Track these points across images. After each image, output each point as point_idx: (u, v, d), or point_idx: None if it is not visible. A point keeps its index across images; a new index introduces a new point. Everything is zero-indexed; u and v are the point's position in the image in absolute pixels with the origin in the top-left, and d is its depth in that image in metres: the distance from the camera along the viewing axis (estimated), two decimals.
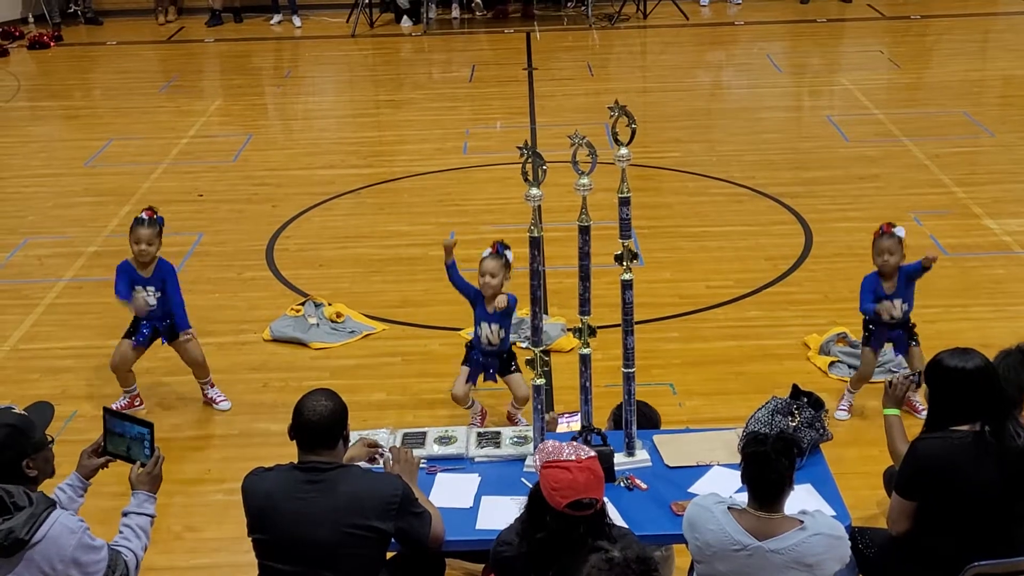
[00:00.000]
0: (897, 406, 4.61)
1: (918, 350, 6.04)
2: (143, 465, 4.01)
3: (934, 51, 14.32)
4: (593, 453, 3.72)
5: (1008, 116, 11.32)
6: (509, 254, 5.77)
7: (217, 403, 6.50)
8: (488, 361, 5.87)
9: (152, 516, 3.97)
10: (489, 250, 5.78)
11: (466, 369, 5.95)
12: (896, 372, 6.17)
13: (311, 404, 3.96)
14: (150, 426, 4.07)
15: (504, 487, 4.48)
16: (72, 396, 6.65)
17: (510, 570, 3.74)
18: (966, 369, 4.11)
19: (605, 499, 4.28)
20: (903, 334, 6.01)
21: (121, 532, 3.86)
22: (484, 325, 5.81)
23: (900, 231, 5.90)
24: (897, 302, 5.92)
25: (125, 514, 3.93)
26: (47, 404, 4.01)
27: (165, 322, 6.27)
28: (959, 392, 4.11)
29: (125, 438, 4.06)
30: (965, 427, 4.09)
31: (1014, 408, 4.21)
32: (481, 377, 5.94)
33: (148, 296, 6.18)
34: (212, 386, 6.52)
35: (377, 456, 4.46)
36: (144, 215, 6.17)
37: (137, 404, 6.46)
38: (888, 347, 6.38)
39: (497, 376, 5.92)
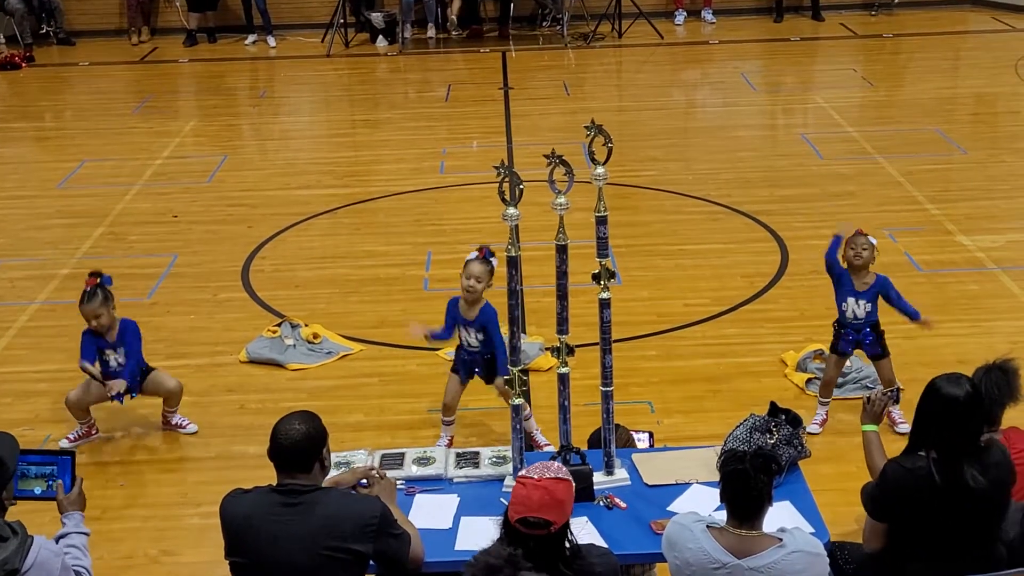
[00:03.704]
0: (875, 422, 4.62)
1: (887, 362, 6.08)
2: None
3: (906, 69, 14.44)
4: (562, 475, 3.65)
5: (979, 133, 11.42)
6: (495, 261, 5.75)
7: (184, 427, 6.40)
8: (474, 359, 5.87)
9: (89, 534, 4.01)
10: (475, 253, 5.76)
11: (455, 376, 5.96)
12: (873, 387, 6.20)
13: (285, 428, 3.93)
14: (71, 455, 4.05)
15: (483, 507, 4.46)
16: (45, 420, 6.58)
17: None
18: (959, 399, 4.05)
19: (585, 519, 4.28)
20: (871, 333, 6.04)
21: (68, 552, 3.85)
22: (462, 330, 5.81)
23: (873, 240, 6.01)
24: (862, 302, 5.99)
25: (64, 535, 3.94)
26: (8, 434, 3.98)
27: (134, 379, 6.18)
28: (936, 419, 4.08)
29: (31, 478, 4.02)
30: (924, 453, 4.08)
31: (988, 428, 4.19)
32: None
33: (117, 357, 6.12)
34: (175, 413, 6.42)
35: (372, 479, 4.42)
36: (87, 286, 6.06)
37: (94, 433, 6.35)
38: (862, 360, 6.41)
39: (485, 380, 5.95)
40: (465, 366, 5.91)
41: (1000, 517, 4.10)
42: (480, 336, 5.78)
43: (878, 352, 6.08)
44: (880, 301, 6.06)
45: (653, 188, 10.04)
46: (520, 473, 3.70)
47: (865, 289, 6.00)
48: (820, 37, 15.86)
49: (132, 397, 6.26)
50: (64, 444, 6.23)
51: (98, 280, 6.08)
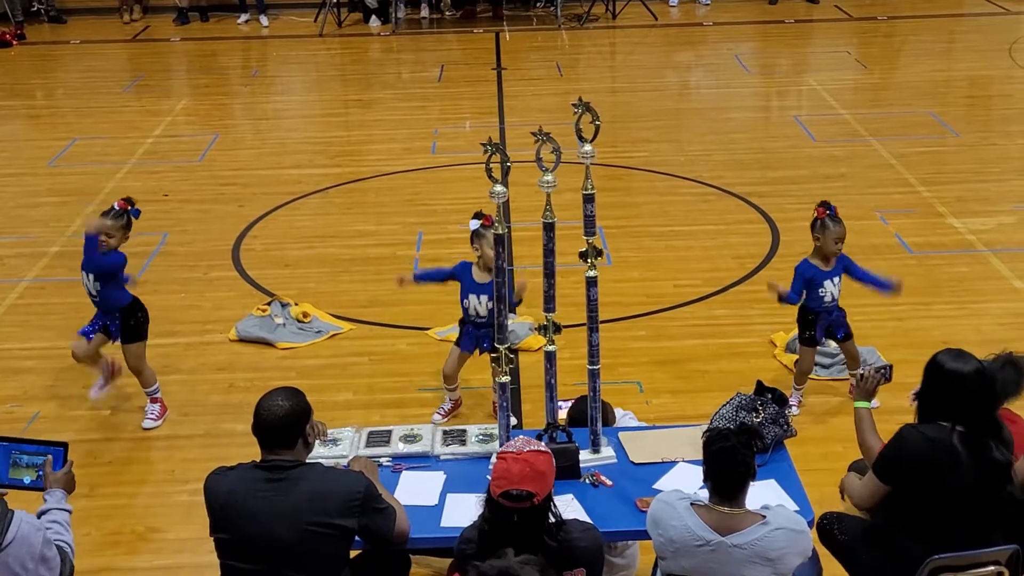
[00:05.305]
0: (867, 399, 4.63)
1: (852, 344, 6.08)
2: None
3: (901, 52, 14.42)
4: (541, 448, 3.69)
5: (973, 116, 11.42)
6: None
7: (146, 417, 6.30)
8: (481, 333, 5.87)
9: (71, 511, 3.99)
10: (482, 221, 5.76)
11: (457, 349, 5.98)
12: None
13: (268, 404, 3.93)
14: (64, 445, 4.05)
15: (469, 484, 4.45)
16: (34, 397, 6.58)
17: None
18: (963, 373, 4.08)
19: (571, 497, 4.29)
20: (842, 312, 6.04)
21: (50, 528, 3.84)
22: (473, 297, 5.81)
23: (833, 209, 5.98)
24: (836, 279, 5.97)
25: (46, 511, 3.92)
26: None
27: (114, 321, 6.11)
28: (952, 394, 4.08)
29: (22, 467, 4.02)
30: (948, 425, 4.08)
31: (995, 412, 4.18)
32: (476, 353, 5.98)
33: (89, 284, 6.05)
34: (152, 402, 6.32)
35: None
36: (116, 205, 6.03)
37: (117, 367, 6.30)
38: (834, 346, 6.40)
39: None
40: (472, 339, 5.91)
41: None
42: (489, 304, 5.78)
43: (848, 331, 6.07)
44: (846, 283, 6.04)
45: (645, 169, 10.02)
46: (500, 448, 3.72)
47: (833, 267, 5.97)
48: (814, 19, 15.83)
49: (114, 341, 6.18)
50: (93, 395, 6.33)
51: (129, 207, 6.04)
